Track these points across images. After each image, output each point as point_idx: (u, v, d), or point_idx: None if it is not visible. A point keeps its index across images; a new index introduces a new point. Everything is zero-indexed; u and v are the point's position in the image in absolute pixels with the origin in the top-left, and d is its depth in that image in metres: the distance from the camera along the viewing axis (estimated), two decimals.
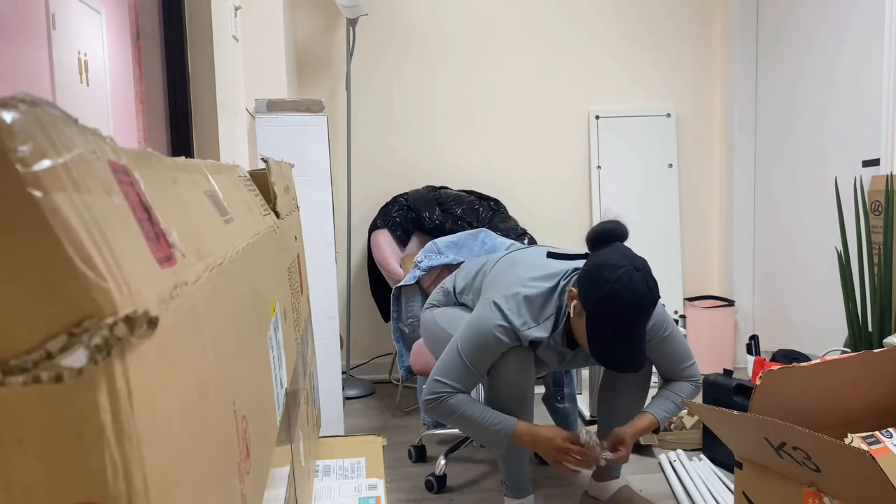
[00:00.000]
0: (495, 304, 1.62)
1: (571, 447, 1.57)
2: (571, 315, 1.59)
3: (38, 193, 0.19)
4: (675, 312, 3.26)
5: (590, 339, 1.52)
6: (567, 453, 1.57)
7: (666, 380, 1.82)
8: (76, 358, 0.19)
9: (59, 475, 0.20)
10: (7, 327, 0.19)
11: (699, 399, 2.63)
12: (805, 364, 1.16)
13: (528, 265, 1.70)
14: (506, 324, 1.59)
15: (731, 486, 1.96)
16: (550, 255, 1.77)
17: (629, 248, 1.57)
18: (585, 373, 2.83)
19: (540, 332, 1.61)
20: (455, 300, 1.93)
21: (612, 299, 1.46)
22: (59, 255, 0.19)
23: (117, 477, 0.20)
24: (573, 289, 1.57)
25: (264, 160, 0.79)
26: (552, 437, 1.58)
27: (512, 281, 1.66)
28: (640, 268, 1.50)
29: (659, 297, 1.53)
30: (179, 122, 1.75)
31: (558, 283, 1.64)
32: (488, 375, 1.65)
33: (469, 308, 1.88)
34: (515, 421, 1.60)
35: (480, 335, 1.59)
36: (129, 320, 0.21)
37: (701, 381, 1.83)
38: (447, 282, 1.98)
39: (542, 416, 2.62)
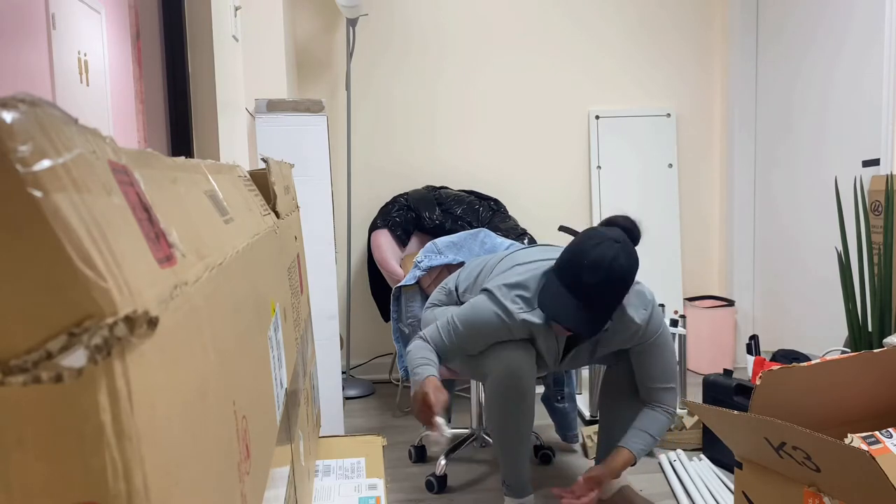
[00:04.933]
0: (489, 290, 1.66)
1: (428, 400, 1.50)
2: None
3: (38, 193, 0.19)
4: (676, 312, 3.26)
5: (543, 286, 1.56)
6: (426, 406, 1.50)
7: (642, 402, 1.77)
8: (76, 358, 0.19)
9: (60, 475, 0.20)
10: (7, 327, 0.19)
11: (699, 399, 2.63)
12: (805, 364, 1.16)
13: (527, 263, 1.72)
14: (498, 308, 1.62)
15: (731, 486, 1.96)
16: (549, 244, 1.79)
17: (624, 235, 1.57)
18: (585, 372, 2.83)
19: (533, 317, 1.62)
20: (457, 299, 1.93)
21: (576, 252, 1.52)
22: (60, 255, 0.19)
23: (117, 477, 0.20)
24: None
25: (264, 160, 0.79)
26: (427, 386, 1.53)
27: (510, 276, 1.69)
28: (620, 241, 1.52)
29: (630, 278, 1.51)
30: (179, 122, 1.75)
31: (549, 270, 1.67)
32: (489, 369, 1.66)
33: None
34: (430, 374, 1.57)
35: (474, 314, 1.65)
36: (129, 320, 0.21)
37: (675, 412, 1.76)
38: (449, 281, 1.98)
39: (542, 416, 2.62)
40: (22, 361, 0.19)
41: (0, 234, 0.19)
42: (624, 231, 1.61)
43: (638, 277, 3.27)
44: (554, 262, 1.70)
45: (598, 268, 1.48)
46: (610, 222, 1.64)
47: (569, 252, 1.54)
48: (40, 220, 0.19)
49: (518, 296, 1.64)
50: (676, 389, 1.75)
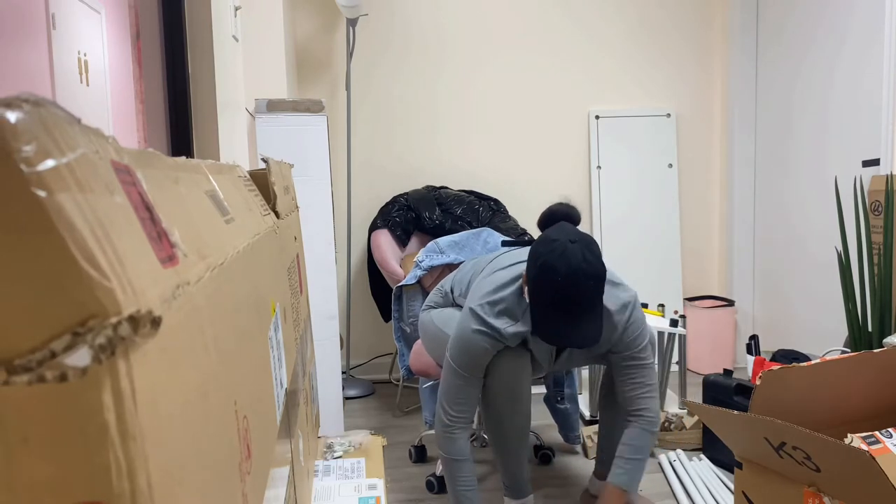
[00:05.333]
0: (472, 311, 1.63)
1: None
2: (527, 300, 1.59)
3: (42, 193, 0.19)
4: (676, 312, 3.26)
5: (532, 315, 1.51)
6: None
7: (624, 418, 1.73)
8: (80, 357, 0.19)
9: (64, 474, 0.20)
10: (11, 327, 0.19)
11: (699, 399, 2.63)
12: (805, 364, 1.16)
13: (506, 268, 1.70)
14: (486, 329, 1.60)
15: (731, 486, 1.96)
16: (504, 243, 1.76)
17: (572, 226, 1.55)
18: (585, 373, 2.83)
19: (521, 327, 1.61)
20: (452, 301, 1.94)
21: (545, 270, 1.46)
22: (64, 255, 0.19)
23: (121, 476, 0.20)
24: (525, 275, 1.58)
25: (264, 160, 0.79)
26: None
27: (488, 285, 1.66)
28: (576, 240, 1.47)
29: (603, 270, 1.47)
30: (179, 122, 1.75)
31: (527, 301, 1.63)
32: (485, 377, 1.66)
33: None
34: None
35: (466, 345, 1.61)
36: (133, 320, 0.21)
37: (656, 419, 1.67)
38: (445, 283, 1.99)
39: (542, 416, 2.62)
40: (26, 361, 0.19)
41: (4, 233, 0.19)
42: (567, 218, 1.61)
43: (638, 277, 3.28)
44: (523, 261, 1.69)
45: (573, 278, 1.44)
46: (551, 216, 1.62)
47: (536, 273, 1.49)
48: (44, 220, 0.19)
49: (501, 311, 1.61)
50: (657, 397, 1.71)
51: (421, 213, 2.81)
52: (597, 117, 3.26)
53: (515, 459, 1.73)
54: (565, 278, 1.44)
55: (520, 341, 1.65)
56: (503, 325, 1.60)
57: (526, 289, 1.56)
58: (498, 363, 1.64)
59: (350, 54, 2.99)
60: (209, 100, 1.82)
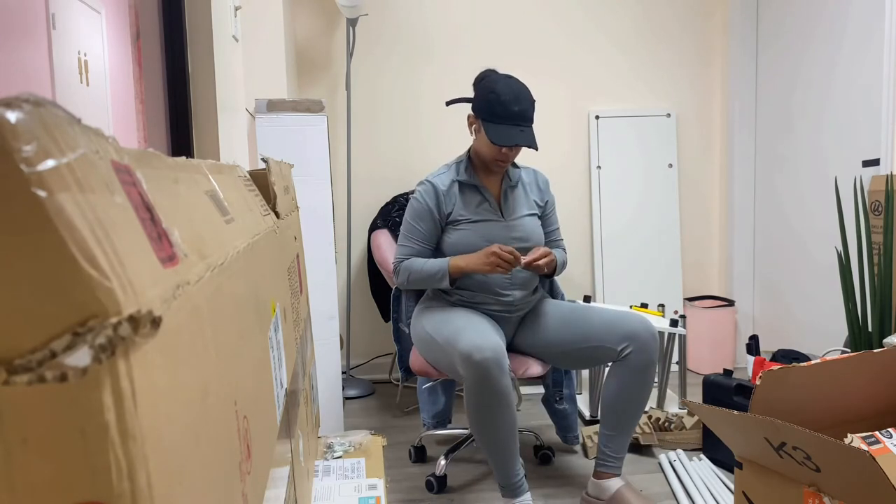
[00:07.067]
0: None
1: (500, 251, 1.76)
2: (474, 136, 1.94)
3: (42, 193, 0.19)
4: (676, 312, 3.26)
5: (485, 130, 1.83)
6: (496, 256, 1.77)
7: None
8: (80, 357, 0.19)
9: (64, 474, 0.20)
10: (11, 327, 0.19)
11: (699, 399, 2.63)
12: (805, 364, 1.16)
13: None
14: (422, 188, 1.93)
15: (731, 486, 1.96)
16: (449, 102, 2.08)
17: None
18: (585, 373, 2.83)
19: (450, 173, 1.95)
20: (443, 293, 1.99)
21: (487, 85, 1.85)
22: (64, 255, 0.19)
23: (121, 476, 0.20)
24: (472, 112, 1.92)
25: (264, 160, 0.79)
26: (483, 250, 1.81)
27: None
28: (508, 75, 1.87)
29: (531, 94, 1.85)
30: (179, 122, 1.75)
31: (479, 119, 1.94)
32: (465, 376, 1.66)
33: (461, 303, 1.89)
34: (448, 259, 1.88)
35: (412, 200, 1.96)
36: (133, 320, 0.21)
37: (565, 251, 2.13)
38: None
39: (542, 416, 2.62)
40: (26, 361, 0.19)
41: (4, 233, 0.19)
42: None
43: (639, 277, 3.28)
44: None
45: (513, 92, 1.81)
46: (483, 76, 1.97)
47: (482, 99, 1.85)
48: (45, 220, 0.19)
49: (442, 166, 1.99)
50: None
51: None
52: (597, 117, 3.26)
53: (506, 458, 1.72)
54: (505, 85, 1.83)
55: (455, 201, 1.91)
56: (436, 174, 1.96)
57: (473, 126, 1.92)
58: (475, 361, 1.63)
59: (350, 54, 2.99)
60: (209, 100, 1.82)
